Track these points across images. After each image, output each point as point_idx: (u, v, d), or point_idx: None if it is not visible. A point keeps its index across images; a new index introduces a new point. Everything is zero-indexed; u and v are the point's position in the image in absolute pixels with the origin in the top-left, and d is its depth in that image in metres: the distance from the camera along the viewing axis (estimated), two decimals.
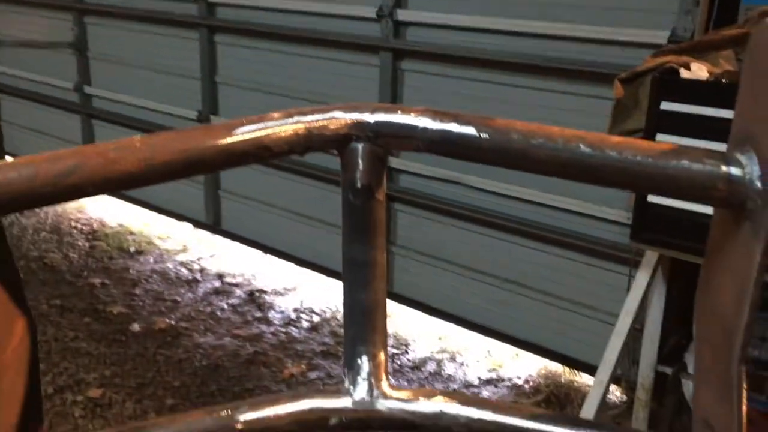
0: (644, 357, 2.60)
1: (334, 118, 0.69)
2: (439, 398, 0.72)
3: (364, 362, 0.74)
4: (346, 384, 0.75)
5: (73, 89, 5.06)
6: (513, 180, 3.19)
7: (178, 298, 3.95)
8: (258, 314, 3.83)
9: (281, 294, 4.04)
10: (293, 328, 3.72)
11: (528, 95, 3.11)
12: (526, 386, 3.26)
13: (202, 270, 4.29)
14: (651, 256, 2.44)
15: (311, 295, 4.01)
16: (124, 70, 4.77)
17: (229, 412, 0.70)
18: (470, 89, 3.27)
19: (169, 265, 4.35)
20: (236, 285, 4.13)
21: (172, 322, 3.69)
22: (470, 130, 0.67)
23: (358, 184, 0.69)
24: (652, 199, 2.24)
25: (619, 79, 2.37)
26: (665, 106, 2.17)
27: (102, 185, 0.61)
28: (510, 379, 3.32)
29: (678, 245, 2.21)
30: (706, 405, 0.65)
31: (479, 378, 3.33)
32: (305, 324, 3.76)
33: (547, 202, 3.11)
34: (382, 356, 0.74)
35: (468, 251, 3.43)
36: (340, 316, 3.83)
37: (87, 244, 4.58)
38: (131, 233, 4.77)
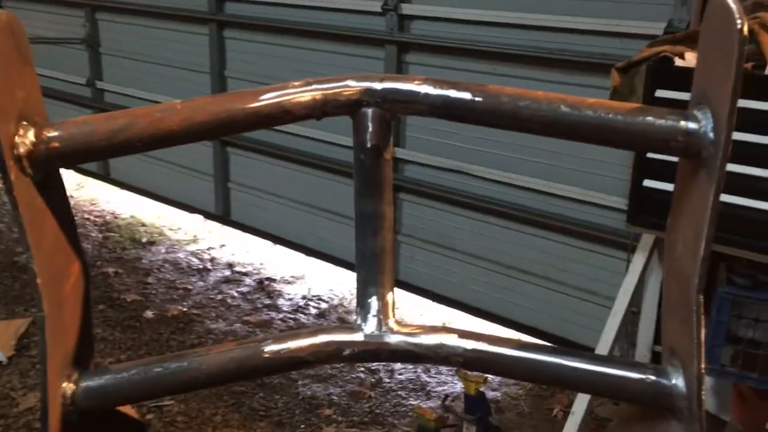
0: (641, 337, 2.68)
1: (347, 86, 0.78)
2: (440, 332, 0.82)
3: (374, 302, 0.83)
4: (358, 321, 0.84)
5: (86, 84, 5.17)
6: (515, 169, 3.27)
7: (190, 287, 4.05)
8: (267, 301, 3.93)
9: (290, 282, 4.14)
10: (302, 315, 3.81)
11: (529, 86, 3.18)
12: None
13: (212, 259, 4.39)
14: (647, 239, 2.52)
15: (319, 283, 4.11)
16: (135, 65, 4.87)
17: (257, 344, 0.80)
18: (473, 81, 3.35)
19: (181, 255, 4.45)
20: (246, 274, 4.23)
21: (184, 309, 3.79)
22: (466, 95, 0.77)
23: (368, 144, 0.78)
24: (647, 183, 2.31)
25: (615, 68, 2.45)
26: (660, 93, 2.24)
27: (149, 141, 0.71)
28: None
29: None
30: (673, 334, 0.73)
31: None
32: (313, 311, 3.86)
33: (549, 189, 3.19)
34: (389, 297, 0.83)
35: (471, 239, 3.52)
36: (346, 302, 3.92)
37: (100, 235, 4.69)
38: (143, 225, 4.88)
